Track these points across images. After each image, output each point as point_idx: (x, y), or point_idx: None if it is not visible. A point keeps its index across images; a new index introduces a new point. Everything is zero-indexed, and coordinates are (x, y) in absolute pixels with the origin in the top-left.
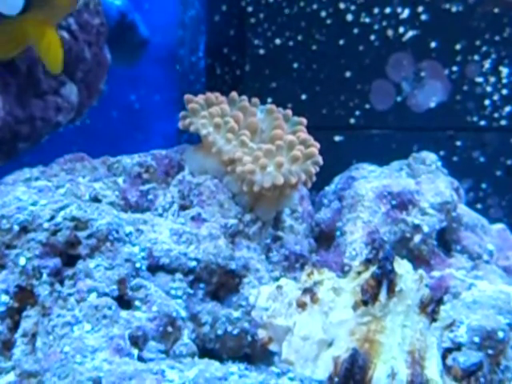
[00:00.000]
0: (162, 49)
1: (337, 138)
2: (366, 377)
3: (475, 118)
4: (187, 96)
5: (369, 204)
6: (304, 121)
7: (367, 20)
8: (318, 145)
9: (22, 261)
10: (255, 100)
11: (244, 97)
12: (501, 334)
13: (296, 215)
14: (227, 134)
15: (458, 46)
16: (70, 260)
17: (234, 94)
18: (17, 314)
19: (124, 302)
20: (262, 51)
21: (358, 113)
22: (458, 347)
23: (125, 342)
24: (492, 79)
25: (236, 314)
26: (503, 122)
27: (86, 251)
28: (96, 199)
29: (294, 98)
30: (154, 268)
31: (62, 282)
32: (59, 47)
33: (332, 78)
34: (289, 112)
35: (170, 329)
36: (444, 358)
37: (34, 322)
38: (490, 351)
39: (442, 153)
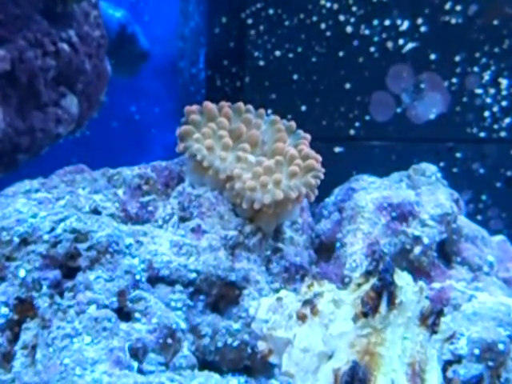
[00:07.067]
0: (163, 60)
1: (337, 150)
2: None
3: (475, 130)
4: (187, 108)
5: (369, 215)
6: (308, 136)
7: (367, 32)
8: (319, 158)
9: (22, 273)
10: (261, 111)
11: (250, 107)
12: (501, 346)
13: (296, 227)
14: (221, 152)
15: (457, 58)
16: (70, 272)
17: (240, 104)
18: (16, 326)
19: (124, 314)
20: (261, 63)
21: (357, 124)
22: (458, 359)
23: (125, 354)
24: (491, 91)
25: (236, 325)
26: (503, 134)
27: (85, 263)
28: (96, 211)
29: (293, 109)
30: (154, 280)
31: (61, 294)
32: None
33: (332, 90)
34: (293, 124)
35: (169, 341)
36: (444, 370)
37: (33, 334)
38: (491, 363)
39: (441, 164)
